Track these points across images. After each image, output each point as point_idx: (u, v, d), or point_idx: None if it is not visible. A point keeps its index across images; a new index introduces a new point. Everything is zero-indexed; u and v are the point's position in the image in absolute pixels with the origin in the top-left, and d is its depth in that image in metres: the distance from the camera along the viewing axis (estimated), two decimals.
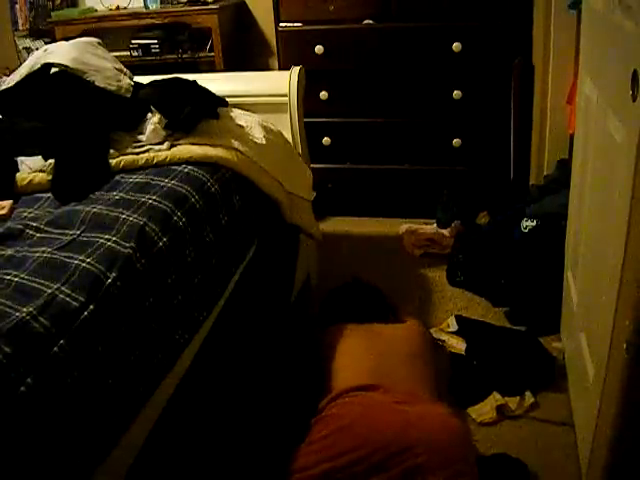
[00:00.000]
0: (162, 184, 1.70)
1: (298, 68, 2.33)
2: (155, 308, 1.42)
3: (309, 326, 2.15)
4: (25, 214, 1.64)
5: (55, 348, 1.15)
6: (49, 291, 1.25)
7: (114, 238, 1.44)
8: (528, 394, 1.88)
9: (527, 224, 2.37)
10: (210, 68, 3.24)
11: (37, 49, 2.96)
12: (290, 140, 2.34)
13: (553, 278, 2.11)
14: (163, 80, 2.14)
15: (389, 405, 1.54)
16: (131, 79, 2.10)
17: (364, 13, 2.89)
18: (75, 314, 1.23)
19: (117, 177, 1.77)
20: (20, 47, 3.55)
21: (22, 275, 1.31)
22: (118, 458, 1.28)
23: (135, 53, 3.36)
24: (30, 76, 1.98)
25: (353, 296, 2.18)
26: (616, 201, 1.26)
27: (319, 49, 2.89)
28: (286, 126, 2.32)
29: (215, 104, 2.07)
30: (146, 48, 3.35)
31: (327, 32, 2.91)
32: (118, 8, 3.51)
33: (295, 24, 2.97)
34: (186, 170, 1.79)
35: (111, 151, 1.84)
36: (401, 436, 1.43)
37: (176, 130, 1.92)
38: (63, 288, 1.27)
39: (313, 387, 1.74)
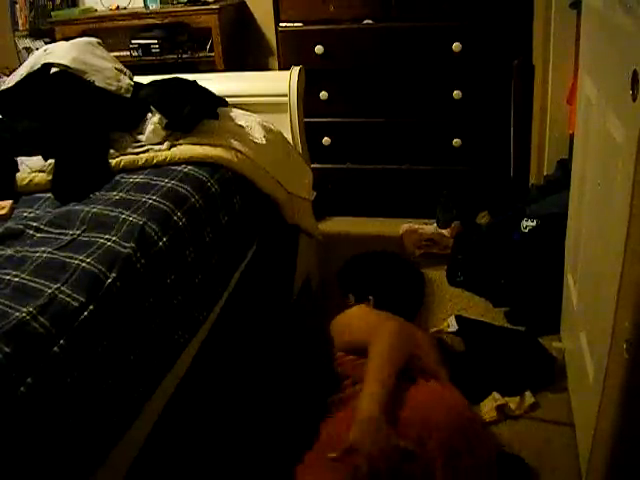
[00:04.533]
0: (162, 184, 1.70)
1: (298, 68, 2.33)
2: (155, 308, 1.42)
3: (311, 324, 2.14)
4: (25, 214, 1.64)
5: (55, 348, 1.15)
6: (49, 291, 1.25)
7: (114, 238, 1.44)
8: (528, 394, 1.88)
9: (527, 224, 2.37)
10: (210, 68, 3.24)
11: (37, 49, 2.95)
12: (290, 140, 2.34)
13: (553, 278, 2.11)
14: (163, 80, 2.14)
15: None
16: (131, 79, 2.10)
17: (364, 13, 2.89)
18: (75, 314, 1.23)
19: (117, 177, 1.77)
20: (20, 47, 3.55)
21: (22, 275, 1.31)
22: (118, 458, 1.29)
23: (135, 53, 3.36)
24: (30, 76, 1.98)
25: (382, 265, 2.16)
26: (616, 201, 1.26)
27: (319, 49, 2.89)
28: (286, 126, 2.32)
29: (215, 104, 2.07)
30: (146, 48, 3.35)
31: (327, 32, 2.91)
32: (118, 8, 3.51)
33: (295, 24, 2.97)
34: (186, 170, 1.80)
35: (111, 151, 1.84)
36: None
37: (176, 130, 1.92)
38: (63, 288, 1.27)
39: (322, 383, 1.72)
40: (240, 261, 1.90)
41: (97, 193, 1.69)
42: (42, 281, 1.29)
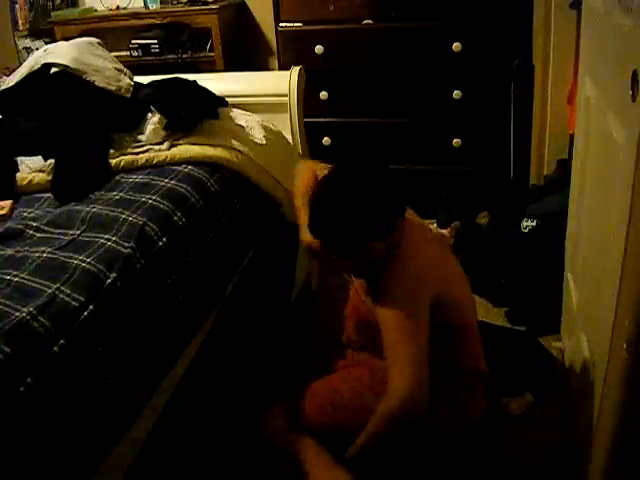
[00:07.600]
0: (162, 184, 1.70)
1: (298, 68, 2.33)
2: (155, 308, 1.42)
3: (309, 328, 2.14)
4: (25, 214, 1.64)
5: (55, 348, 1.15)
6: (49, 291, 1.25)
7: (114, 238, 1.44)
8: (528, 394, 1.88)
9: (527, 224, 2.37)
10: (210, 68, 3.24)
11: (37, 49, 2.96)
12: (290, 140, 2.34)
13: (553, 278, 2.11)
14: (163, 80, 2.14)
15: None
16: (131, 79, 2.10)
17: (364, 13, 2.89)
18: (75, 314, 1.23)
19: (117, 177, 1.77)
20: (20, 47, 3.55)
21: (22, 275, 1.31)
22: (118, 458, 1.29)
23: (135, 53, 3.35)
24: (30, 76, 1.98)
25: None
26: (616, 201, 1.26)
27: (319, 49, 2.89)
28: (286, 126, 2.32)
29: (215, 104, 2.07)
30: (146, 48, 3.34)
31: (327, 32, 2.91)
32: (118, 8, 3.51)
33: (295, 24, 2.97)
34: (186, 170, 1.80)
35: (111, 151, 1.84)
36: None
37: (176, 130, 1.92)
38: (63, 288, 1.27)
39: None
40: (240, 261, 1.89)
41: (97, 193, 1.69)
42: (42, 281, 1.29)
